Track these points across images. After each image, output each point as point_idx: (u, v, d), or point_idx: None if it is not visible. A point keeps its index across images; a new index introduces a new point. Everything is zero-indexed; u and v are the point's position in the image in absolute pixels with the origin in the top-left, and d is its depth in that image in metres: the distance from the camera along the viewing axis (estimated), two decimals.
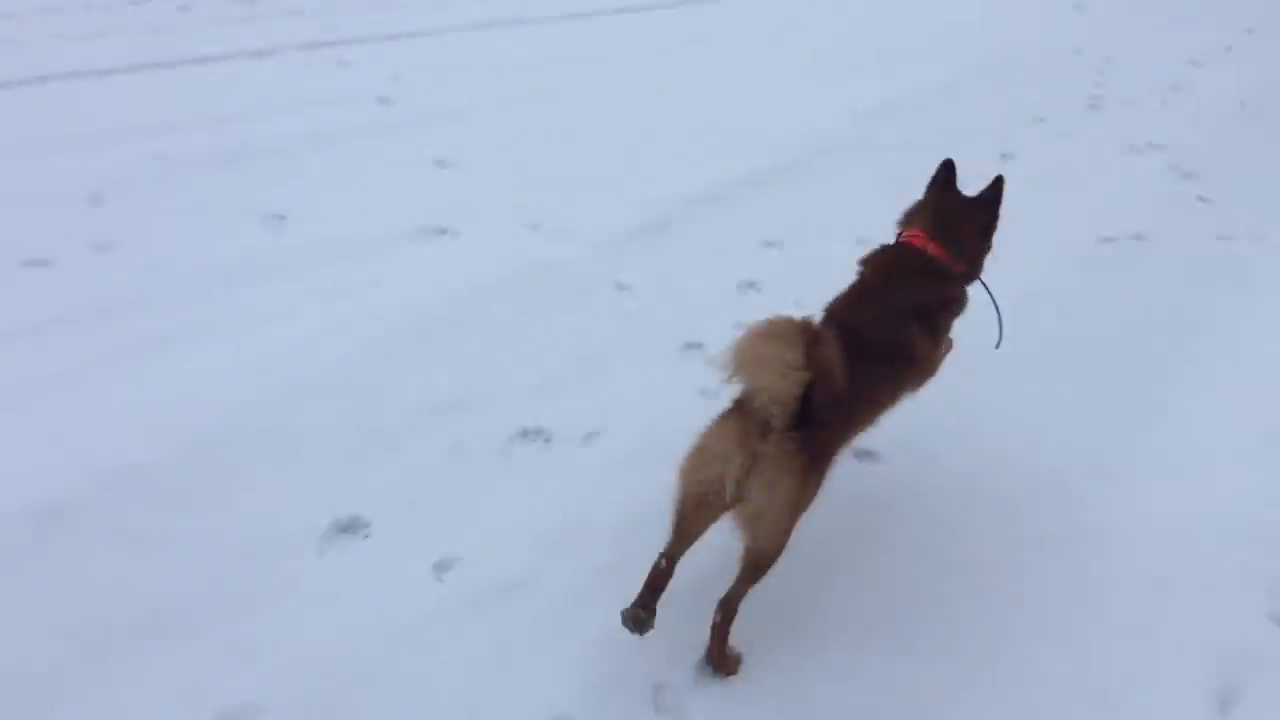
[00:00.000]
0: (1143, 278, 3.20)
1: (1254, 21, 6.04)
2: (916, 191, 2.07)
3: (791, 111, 4.92)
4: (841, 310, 1.93)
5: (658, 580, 1.71)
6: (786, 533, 1.68)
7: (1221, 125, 4.70)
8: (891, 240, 2.11)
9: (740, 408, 1.64)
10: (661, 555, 1.71)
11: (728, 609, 1.75)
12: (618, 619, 1.66)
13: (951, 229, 2.07)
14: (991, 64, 5.13)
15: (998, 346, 2.20)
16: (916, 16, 6.51)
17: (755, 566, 1.71)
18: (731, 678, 1.76)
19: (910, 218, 2.12)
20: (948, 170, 2.11)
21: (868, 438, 1.92)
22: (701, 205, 3.73)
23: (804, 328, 1.55)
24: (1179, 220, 3.62)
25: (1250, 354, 2.75)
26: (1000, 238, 2.04)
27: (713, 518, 1.69)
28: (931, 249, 2.04)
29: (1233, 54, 5.51)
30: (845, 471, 1.92)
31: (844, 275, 1.93)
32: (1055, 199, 3.81)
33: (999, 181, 2.08)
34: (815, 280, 2.02)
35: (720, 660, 1.78)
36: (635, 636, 1.69)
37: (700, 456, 1.66)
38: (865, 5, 7.06)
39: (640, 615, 1.69)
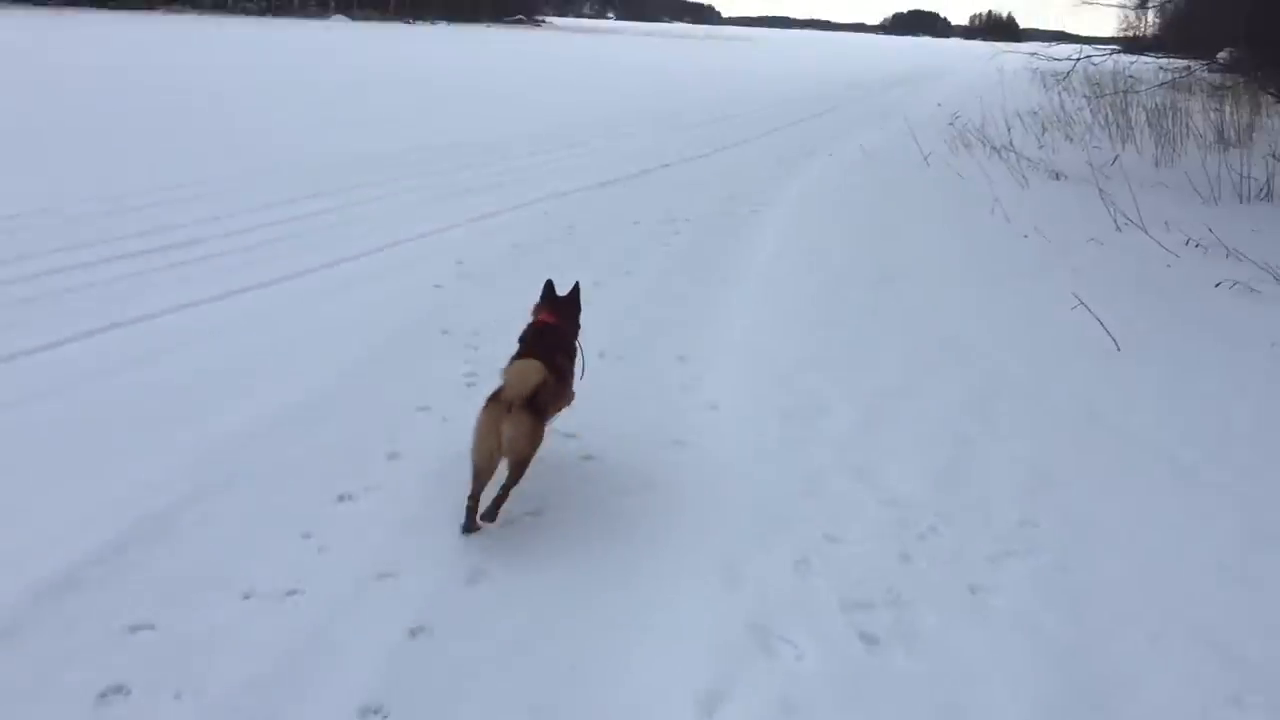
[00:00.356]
0: None
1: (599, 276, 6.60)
2: None
3: None
4: (535, 352, 3.57)
5: (473, 509, 3.31)
6: (529, 460, 3.37)
7: (596, 379, 4.96)
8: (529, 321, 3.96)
9: (492, 400, 3.36)
10: (469, 497, 3.33)
11: (503, 492, 3.33)
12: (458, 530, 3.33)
13: (563, 314, 3.98)
14: (362, 364, 4.86)
15: (581, 377, 3.88)
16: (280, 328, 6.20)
17: (515, 478, 3.34)
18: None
19: (538, 309, 3.99)
20: (549, 286, 4.03)
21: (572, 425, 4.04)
22: None
23: (541, 365, 3.32)
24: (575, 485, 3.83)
25: None
26: None
27: (495, 464, 3.30)
28: (560, 324, 3.92)
29: (587, 306, 5.84)
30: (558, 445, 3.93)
31: None
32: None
33: (578, 285, 4.15)
34: None
35: (493, 516, 3.30)
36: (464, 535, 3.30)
37: (480, 433, 3.29)
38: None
39: (469, 527, 3.29)
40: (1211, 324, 5.96)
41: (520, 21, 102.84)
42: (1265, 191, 11.00)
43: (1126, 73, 28.93)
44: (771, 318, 5.93)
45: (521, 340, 3.83)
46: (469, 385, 4.70)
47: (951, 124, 16.14)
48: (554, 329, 3.86)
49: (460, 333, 5.40)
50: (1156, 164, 13.56)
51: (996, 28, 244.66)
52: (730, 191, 10.26)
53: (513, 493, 3.38)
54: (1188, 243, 8.08)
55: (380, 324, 5.51)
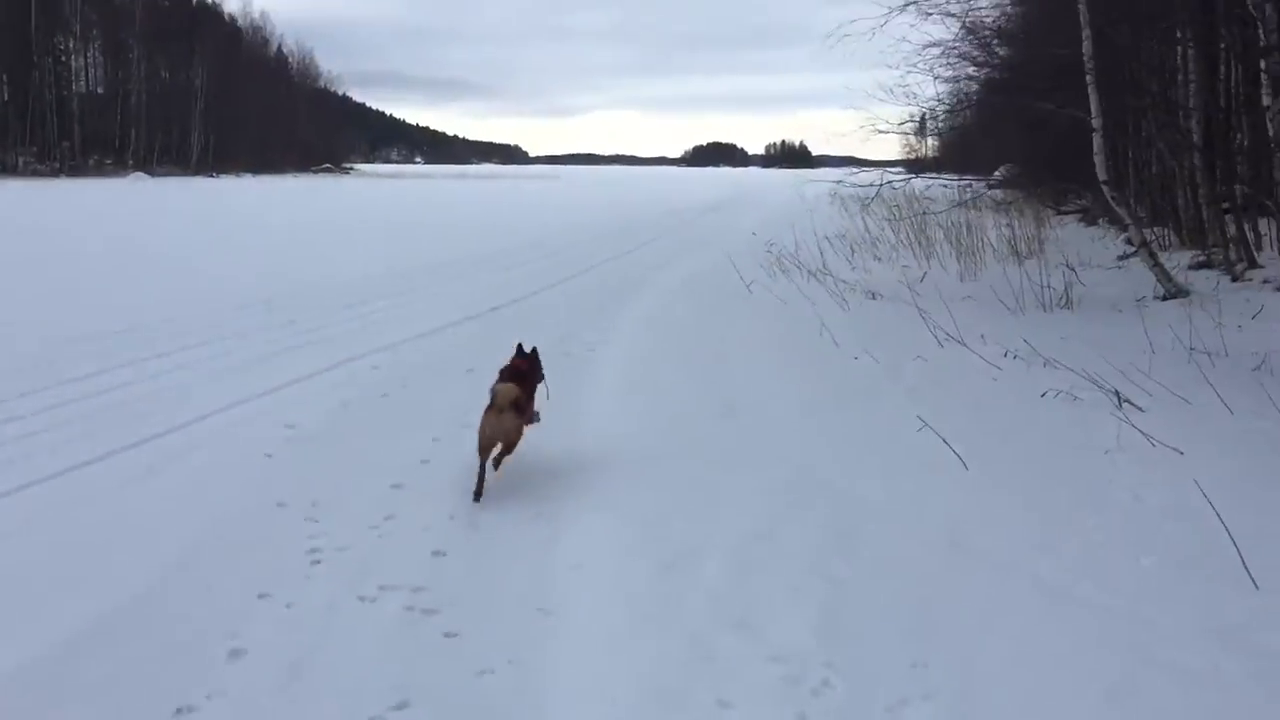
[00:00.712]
0: None
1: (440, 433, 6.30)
2: None
3: None
4: (511, 379, 5.46)
5: (481, 478, 5.12)
6: (515, 444, 5.28)
7: (450, 545, 4.67)
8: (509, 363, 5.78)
9: (489, 408, 5.22)
10: (478, 470, 5.16)
11: (500, 457, 5.23)
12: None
13: (529, 361, 5.82)
14: (190, 550, 4.46)
15: (548, 397, 5.87)
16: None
17: (507, 452, 5.24)
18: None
19: (515, 358, 5.82)
20: (519, 347, 5.89)
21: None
22: None
23: (516, 386, 5.35)
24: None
25: None
26: None
27: (493, 447, 5.17)
28: (526, 367, 5.71)
29: (431, 466, 5.58)
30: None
31: None
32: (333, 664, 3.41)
33: (535, 350, 5.92)
34: None
35: (496, 466, 5.24)
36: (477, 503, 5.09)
37: (484, 428, 5.15)
38: None
39: (479, 495, 5.09)
40: (1046, 435, 6.13)
41: (328, 170, 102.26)
42: (1064, 300, 11.67)
43: (922, 194, 30.90)
44: (625, 462, 5.78)
45: (501, 373, 5.66)
46: (314, 564, 4.34)
47: (769, 250, 16.68)
48: (522, 370, 5.72)
49: (298, 505, 5.02)
50: (961, 278, 14.28)
51: (791, 156, 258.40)
52: (563, 331, 10.18)
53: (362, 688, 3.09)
54: (1006, 354, 8.41)
55: (207, 502, 5.08)
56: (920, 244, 17.54)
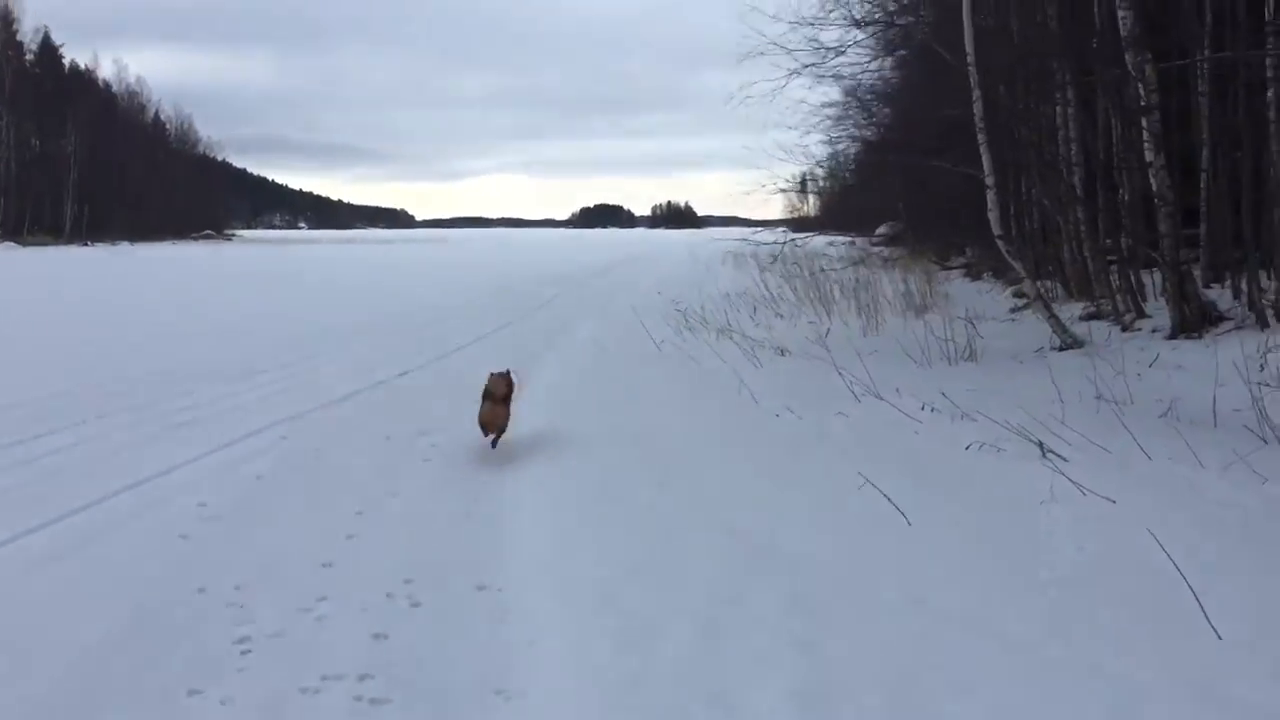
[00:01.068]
0: None
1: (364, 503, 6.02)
2: None
3: None
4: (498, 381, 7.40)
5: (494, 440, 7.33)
6: (505, 427, 7.36)
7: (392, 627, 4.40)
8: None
9: (485, 397, 7.36)
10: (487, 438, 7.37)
11: (495, 445, 7.32)
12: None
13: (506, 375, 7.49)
14: (108, 646, 4.14)
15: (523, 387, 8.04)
16: None
17: (503, 431, 7.34)
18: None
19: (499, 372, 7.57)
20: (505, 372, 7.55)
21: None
22: None
23: (507, 378, 7.44)
24: None
25: None
26: None
27: (493, 431, 7.32)
28: (510, 377, 7.47)
29: (359, 541, 5.31)
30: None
31: None
32: None
33: (508, 371, 7.61)
34: None
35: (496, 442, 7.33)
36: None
37: (483, 409, 7.32)
38: None
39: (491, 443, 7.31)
40: (980, 487, 6.15)
41: (209, 236, 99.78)
42: (968, 353, 11.91)
43: (817, 252, 31.49)
44: (566, 532, 5.58)
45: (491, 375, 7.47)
46: (245, 653, 4.03)
47: (676, 308, 16.72)
48: (505, 375, 7.39)
49: (220, 589, 4.69)
50: (864, 333, 14.48)
51: (678, 217, 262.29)
52: (476, 396, 9.97)
53: None
54: (923, 407, 8.48)
55: (121, 591, 4.71)
56: (820, 301, 17.79)
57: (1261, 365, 9.44)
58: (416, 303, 21.02)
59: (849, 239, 69.32)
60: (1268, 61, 12.86)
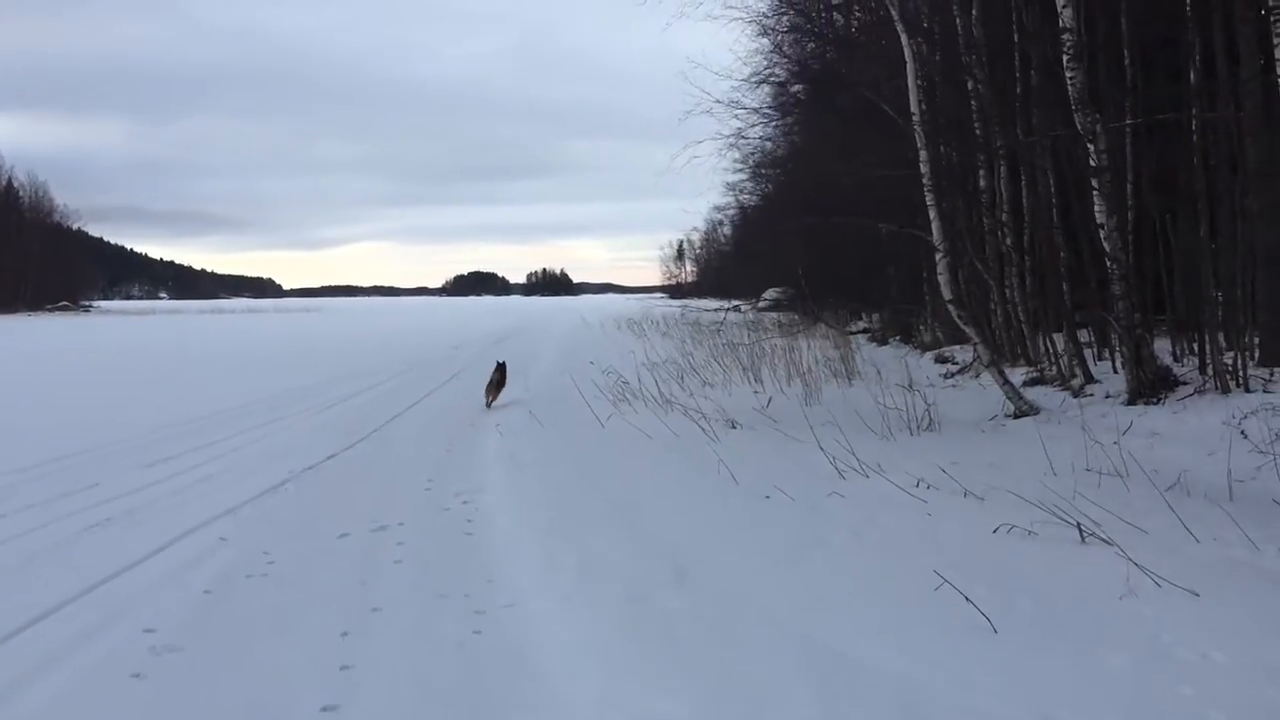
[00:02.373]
0: None
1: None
2: None
3: None
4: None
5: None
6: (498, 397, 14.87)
7: None
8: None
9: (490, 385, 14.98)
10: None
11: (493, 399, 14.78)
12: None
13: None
14: None
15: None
16: None
17: (497, 398, 14.73)
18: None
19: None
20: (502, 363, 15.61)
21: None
22: None
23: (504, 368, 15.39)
24: None
25: None
26: None
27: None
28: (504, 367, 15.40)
29: (357, 673, 4.44)
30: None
31: None
32: None
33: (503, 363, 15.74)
34: None
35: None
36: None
37: (489, 388, 14.88)
38: None
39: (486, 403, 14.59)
40: (1039, 579, 5.57)
41: (65, 308, 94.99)
42: (927, 422, 11.49)
43: (714, 319, 31.21)
44: (589, 648, 4.76)
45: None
46: None
47: (615, 378, 16.01)
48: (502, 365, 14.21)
49: None
50: (805, 402, 13.99)
51: (553, 283, 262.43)
52: (424, 478, 9.07)
53: None
54: (918, 484, 7.95)
55: None
56: (748, 369, 17.32)
57: (1242, 432, 9.23)
58: (311, 377, 19.74)
59: (734, 305, 70.12)
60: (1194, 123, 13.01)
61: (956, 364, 18.28)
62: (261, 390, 16.74)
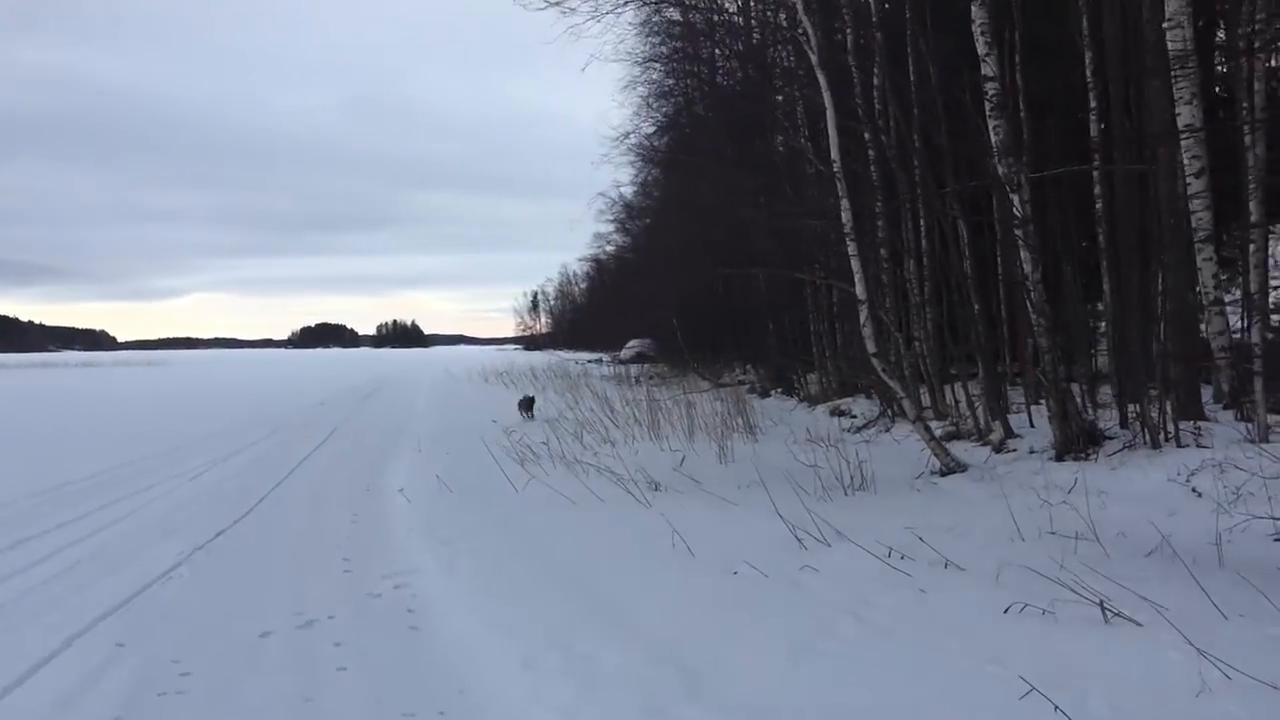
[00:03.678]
0: None
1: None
2: None
3: None
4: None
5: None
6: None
7: None
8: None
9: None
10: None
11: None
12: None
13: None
14: None
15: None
16: None
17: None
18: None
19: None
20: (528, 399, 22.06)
21: None
22: None
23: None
24: None
25: None
26: None
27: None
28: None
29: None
30: None
31: None
32: None
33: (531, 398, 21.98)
34: None
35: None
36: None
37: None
38: None
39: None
40: (1096, 675, 5.00)
41: None
42: (859, 481, 11.04)
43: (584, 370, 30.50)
44: None
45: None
46: None
47: (521, 439, 15.11)
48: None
49: None
50: (720, 459, 13.42)
51: (404, 336, 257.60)
52: (338, 556, 8.06)
53: None
54: (889, 553, 7.39)
55: None
56: (646, 424, 16.68)
57: (1194, 490, 9.02)
58: (171, 440, 18.13)
59: (596, 358, 69.72)
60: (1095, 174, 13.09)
61: (855, 417, 18.03)
62: (120, 456, 15.16)
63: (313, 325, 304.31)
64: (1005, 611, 5.92)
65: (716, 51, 26.46)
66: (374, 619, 6.28)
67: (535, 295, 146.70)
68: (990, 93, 11.26)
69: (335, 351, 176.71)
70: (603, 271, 79.82)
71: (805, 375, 24.49)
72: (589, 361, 60.81)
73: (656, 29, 26.41)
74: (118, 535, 9.10)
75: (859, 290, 11.80)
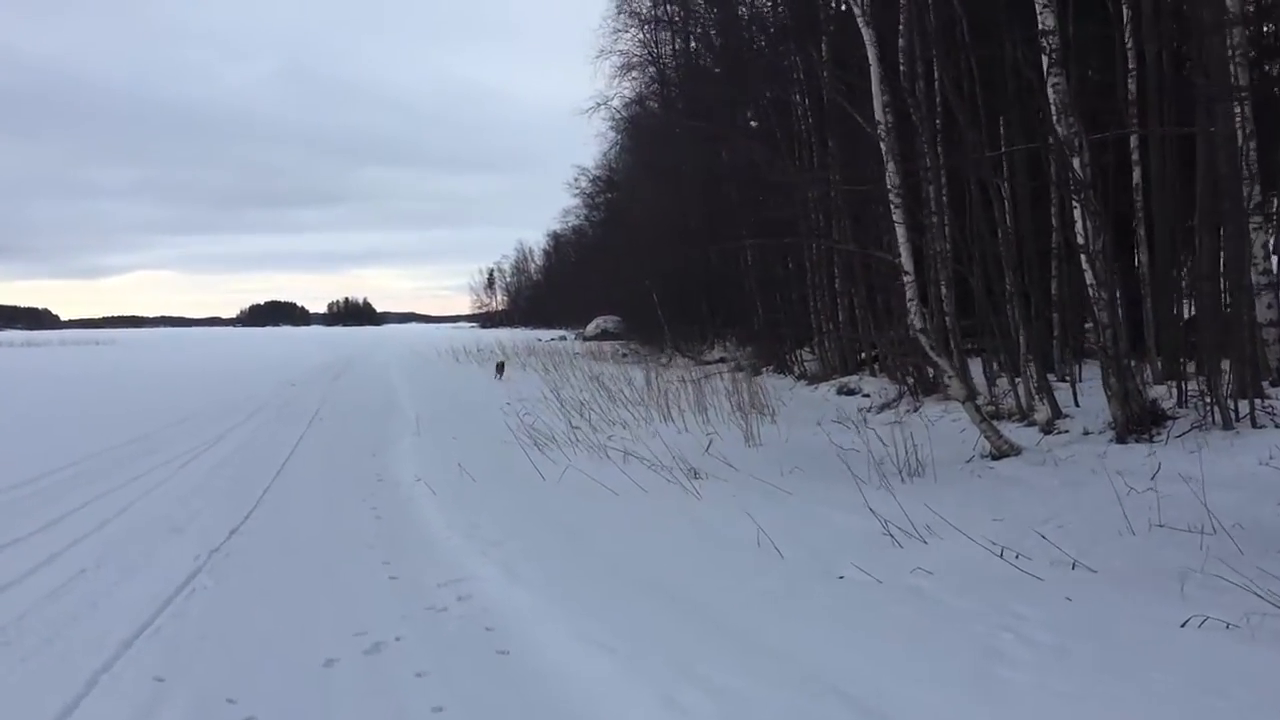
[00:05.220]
0: None
1: None
2: None
3: None
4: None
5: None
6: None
7: None
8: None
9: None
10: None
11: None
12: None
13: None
14: None
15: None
16: None
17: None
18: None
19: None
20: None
21: None
22: None
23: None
24: None
25: None
26: None
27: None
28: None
29: None
30: None
31: None
32: None
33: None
34: None
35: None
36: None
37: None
38: None
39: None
40: None
41: None
42: (915, 467, 10.32)
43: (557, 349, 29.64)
44: None
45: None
46: None
47: (521, 419, 14.19)
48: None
49: None
50: (747, 442, 12.66)
51: (356, 313, 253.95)
52: (375, 559, 7.16)
53: None
54: (1002, 552, 6.65)
55: None
56: (659, 405, 15.86)
57: None
58: (148, 424, 16.96)
59: (560, 335, 68.67)
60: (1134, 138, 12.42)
61: (868, 395, 17.33)
62: (92, 445, 14.00)
63: (262, 303, 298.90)
64: (1183, 626, 5.18)
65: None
66: (450, 641, 5.40)
67: (491, 272, 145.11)
68: (1048, 48, 10.49)
69: (286, 330, 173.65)
70: (565, 247, 78.66)
71: (799, 352, 23.77)
72: (554, 339, 59.85)
73: None
74: (118, 535, 8.10)
75: (905, 261, 11.03)
